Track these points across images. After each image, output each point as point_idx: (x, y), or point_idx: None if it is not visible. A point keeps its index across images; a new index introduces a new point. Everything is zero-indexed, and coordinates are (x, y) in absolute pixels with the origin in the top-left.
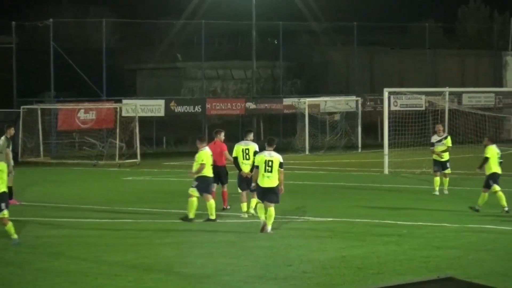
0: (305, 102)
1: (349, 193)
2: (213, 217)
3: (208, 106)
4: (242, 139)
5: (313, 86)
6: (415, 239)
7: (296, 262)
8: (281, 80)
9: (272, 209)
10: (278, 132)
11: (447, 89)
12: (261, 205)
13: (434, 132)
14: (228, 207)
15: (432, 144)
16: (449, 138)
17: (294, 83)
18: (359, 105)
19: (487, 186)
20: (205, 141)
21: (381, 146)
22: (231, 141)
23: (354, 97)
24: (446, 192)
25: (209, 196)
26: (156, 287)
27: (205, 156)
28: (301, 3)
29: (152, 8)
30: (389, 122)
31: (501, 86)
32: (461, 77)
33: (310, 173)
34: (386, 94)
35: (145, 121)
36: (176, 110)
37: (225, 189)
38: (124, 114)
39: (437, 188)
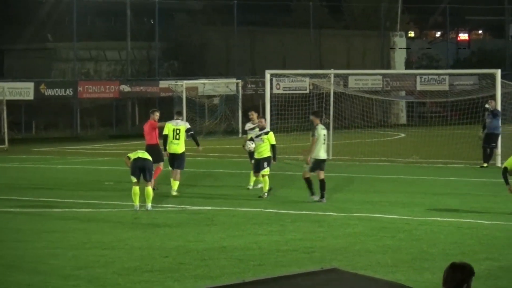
0: (183, 85)
1: (229, 180)
2: None
3: (80, 89)
4: (173, 119)
5: (191, 68)
6: (299, 229)
7: (173, 253)
8: (157, 62)
9: (179, 175)
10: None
11: (332, 71)
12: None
13: (250, 120)
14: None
15: (245, 132)
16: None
17: (171, 64)
18: (240, 88)
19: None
20: None
21: None
22: (105, 125)
23: (234, 80)
24: (250, 187)
25: None
26: (26, 280)
27: None
28: None
29: None
30: (271, 106)
31: (389, 68)
32: (347, 58)
33: (188, 159)
34: (268, 77)
35: (13, 105)
36: (46, 94)
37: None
38: None
39: (251, 183)
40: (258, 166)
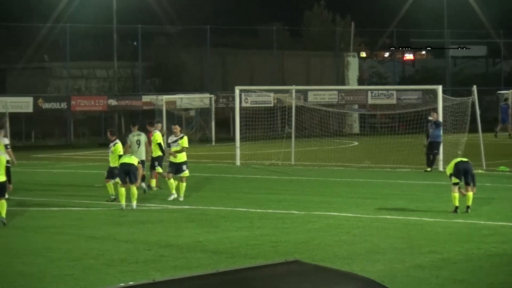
0: (163, 99)
1: (204, 182)
2: None
3: (73, 102)
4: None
5: (170, 84)
6: (265, 225)
7: (155, 247)
8: (140, 79)
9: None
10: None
11: (293, 87)
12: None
13: (173, 133)
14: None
15: (168, 145)
16: (185, 138)
17: (153, 81)
18: (213, 102)
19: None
20: None
21: (233, 139)
22: (95, 134)
23: (207, 95)
24: (181, 199)
25: None
26: (26, 270)
27: None
28: (158, 8)
29: (21, 11)
30: (240, 118)
31: (343, 84)
32: (306, 76)
33: (167, 164)
34: (237, 92)
35: (15, 117)
36: (43, 107)
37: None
38: None
39: (173, 192)
40: (177, 169)
